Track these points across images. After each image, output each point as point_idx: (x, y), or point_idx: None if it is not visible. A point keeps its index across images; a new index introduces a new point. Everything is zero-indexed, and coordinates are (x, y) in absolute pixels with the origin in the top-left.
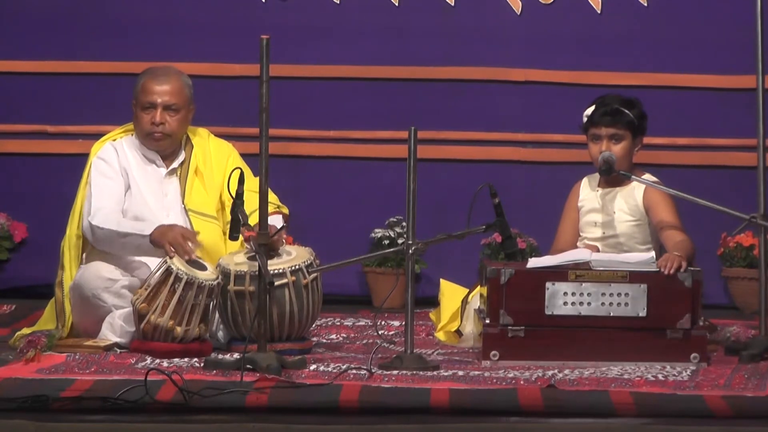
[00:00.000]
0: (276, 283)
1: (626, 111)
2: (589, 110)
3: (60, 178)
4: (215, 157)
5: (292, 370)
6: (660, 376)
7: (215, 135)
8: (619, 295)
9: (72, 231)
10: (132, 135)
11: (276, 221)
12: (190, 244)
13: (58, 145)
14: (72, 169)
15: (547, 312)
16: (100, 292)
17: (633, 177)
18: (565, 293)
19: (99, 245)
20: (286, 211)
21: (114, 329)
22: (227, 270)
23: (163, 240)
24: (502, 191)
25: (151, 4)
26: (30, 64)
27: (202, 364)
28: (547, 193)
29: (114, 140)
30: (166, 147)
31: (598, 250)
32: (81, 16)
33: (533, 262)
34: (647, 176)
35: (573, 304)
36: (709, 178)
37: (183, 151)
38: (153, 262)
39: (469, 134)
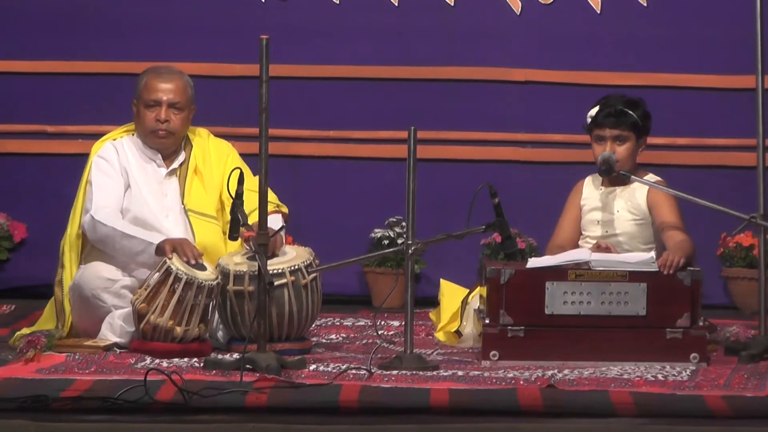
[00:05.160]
0: (275, 283)
1: (630, 112)
2: (593, 111)
3: (60, 178)
4: (215, 156)
5: (292, 370)
6: (660, 376)
7: (215, 135)
8: (618, 294)
9: (72, 230)
10: (133, 135)
11: (275, 221)
12: (192, 254)
13: (58, 145)
14: (72, 169)
15: (547, 312)
16: (100, 292)
17: (633, 177)
18: (565, 293)
19: (97, 242)
20: (285, 210)
21: (114, 329)
22: (226, 270)
23: (166, 243)
24: (502, 191)
25: (151, 4)
26: (30, 64)
27: (201, 364)
28: (547, 193)
29: (114, 140)
30: (169, 145)
31: (608, 249)
32: (81, 16)
33: (533, 262)
34: (650, 176)
35: (573, 303)
36: (709, 178)
37: (183, 152)
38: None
39: (469, 134)
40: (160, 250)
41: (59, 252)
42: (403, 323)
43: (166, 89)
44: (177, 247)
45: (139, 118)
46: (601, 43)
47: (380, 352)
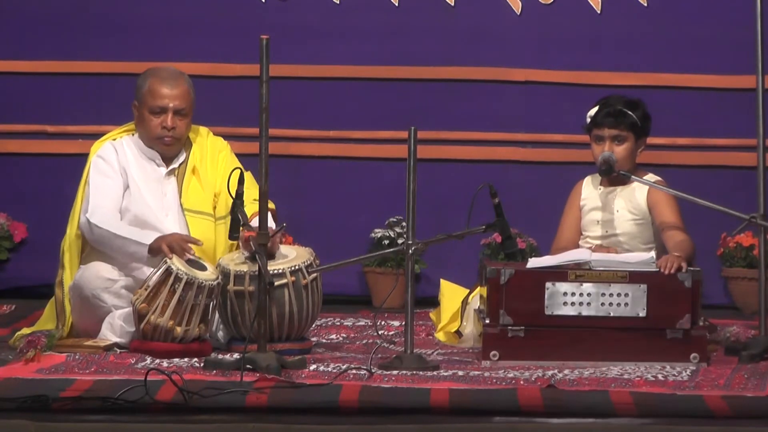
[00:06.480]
0: (275, 284)
1: (629, 112)
2: (593, 111)
3: (60, 178)
4: (210, 154)
5: (292, 370)
6: (660, 376)
7: (215, 135)
8: (618, 295)
9: (72, 230)
10: (132, 134)
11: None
12: (189, 245)
13: (58, 145)
14: (72, 169)
15: (547, 312)
16: (100, 292)
17: (633, 177)
18: (565, 293)
19: (95, 243)
20: (272, 206)
21: (114, 329)
22: (227, 270)
23: (161, 242)
24: (502, 191)
25: (151, 4)
26: (30, 64)
27: (202, 364)
28: (547, 193)
29: (114, 140)
30: (175, 150)
31: (613, 251)
32: (81, 16)
33: (533, 262)
34: (649, 176)
35: (573, 304)
36: (710, 178)
37: (183, 152)
38: (152, 264)
39: (469, 134)
40: (153, 249)
41: (59, 252)
42: (403, 323)
43: (172, 96)
44: (173, 245)
45: (142, 122)
46: (601, 43)
47: (380, 352)
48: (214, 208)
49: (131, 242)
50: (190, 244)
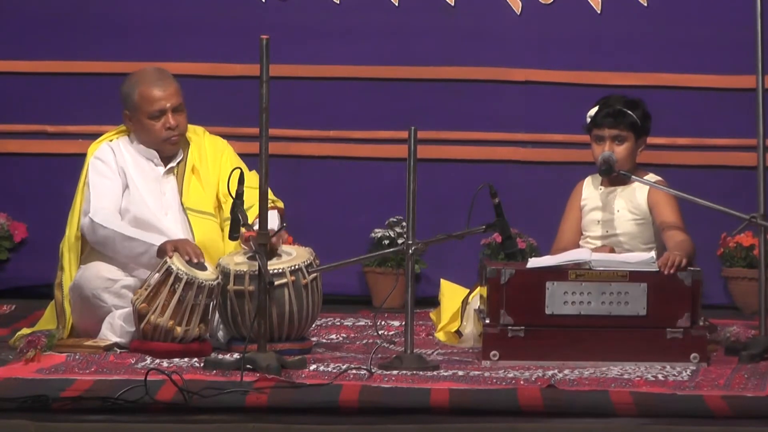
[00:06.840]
0: (275, 283)
1: (629, 112)
2: (593, 111)
3: (60, 178)
4: (210, 153)
5: (292, 370)
6: (660, 376)
7: (216, 135)
8: (619, 294)
9: (71, 232)
10: (128, 135)
11: (272, 218)
12: (195, 251)
13: (58, 145)
14: (72, 169)
15: (547, 312)
16: (100, 292)
17: (633, 177)
18: (565, 293)
19: (97, 245)
20: (281, 205)
21: (114, 329)
22: (227, 270)
23: (167, 244)
24: (502, 191)
25: (151, 4)
26: (30, 64)
27: (202, 364)
28: (547, 193)
29: (110, 140)
30: (179, 148)
31: (612, 251)
32: (81, 16)
33: (533, 262)
34: (650, 176)
35: (573, 303)
36: (710, 178)
37: (181, 151)
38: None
39: (469, 134)
40: (161, 251)
41: (59, 254)
42: (404, 323)
43: (167, 96)
44: (179, 246)
45: (143, 129)
46: (601, 43)
47: (380, 352)
48: (218, 208)
49: (140, 243)
50: (194, 252)
